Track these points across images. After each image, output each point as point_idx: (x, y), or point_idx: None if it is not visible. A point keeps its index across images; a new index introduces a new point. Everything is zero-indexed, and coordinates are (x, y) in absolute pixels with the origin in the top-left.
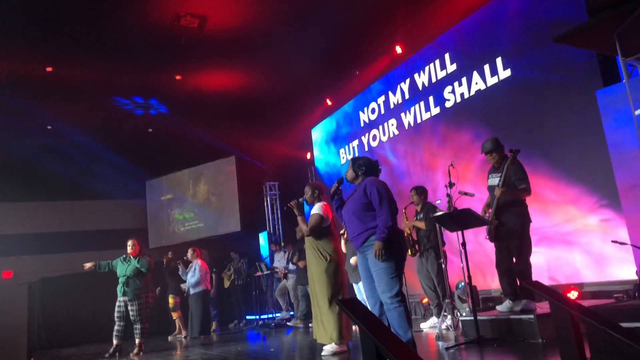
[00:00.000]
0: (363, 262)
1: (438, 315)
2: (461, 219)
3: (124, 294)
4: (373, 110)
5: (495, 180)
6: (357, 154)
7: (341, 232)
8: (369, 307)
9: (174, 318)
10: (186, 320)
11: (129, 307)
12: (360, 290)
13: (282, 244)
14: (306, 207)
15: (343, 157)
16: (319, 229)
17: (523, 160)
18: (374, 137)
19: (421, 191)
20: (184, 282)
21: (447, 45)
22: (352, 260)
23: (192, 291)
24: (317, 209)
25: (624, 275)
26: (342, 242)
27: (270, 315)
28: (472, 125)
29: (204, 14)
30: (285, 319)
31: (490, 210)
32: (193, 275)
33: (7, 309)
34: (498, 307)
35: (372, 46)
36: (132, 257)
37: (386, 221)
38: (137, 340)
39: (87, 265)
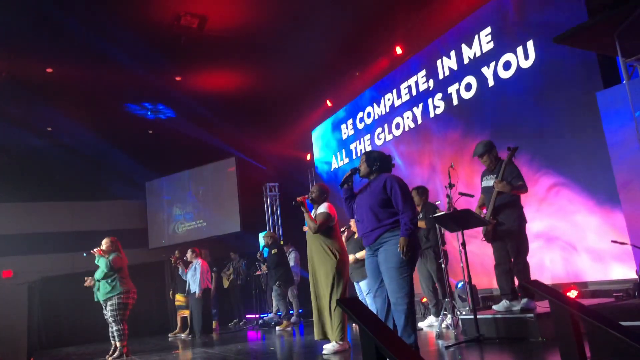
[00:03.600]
0: (372, 260)
1: (436, 315)
2: (461, 219)
3: (97, 297)
4: (373, 112)
5: (490, 181)
6: (357, 155)
7: (341, 229)
8: (372, 307)
9: (182, 316)
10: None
11: (104, 310)
12: (360, 290)
13: (282, 242)
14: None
15: (343, 159)
16: (326, 227)
17: (523, 160)
18: (375, 138)
19: (422, 191)
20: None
21: (447, 46)
22: (359, 254)
23: (192, 290)
24: (324, 207)
25: (624, 275)
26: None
27: (270, 314)
28: (473, 126)
29: (204, 14)
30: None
31: (485, 211)
32: (194, 274)
33: (7, 309)
34: (495, 307)
35: (372, 47)
36: (98, 256)
37: (411, 217)
38: (113, 343)
39: (88, 281)
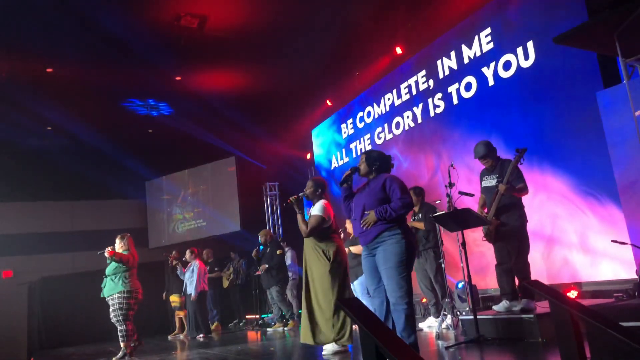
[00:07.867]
0: (369, 260)
1: (436, 315)
2: (461, 219)
3: (103, 294)
4: (373, 111)
5: (491, 181)
6: (357, 154)
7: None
8: (370, 307)
9: (180, 317)
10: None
11: (110, 308)
12: (354, 290)
13: (280, 240)
14: (305, 203)
15: (343, 158)
16: (319, 230)
17: (523, 159)
18: (375, 138)
19: (419, 192)
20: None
21: (447, 46)
22: (353, 248)
23: (189, 291)
24: (318, 209)
25: (624, 275)
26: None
27: (269, 315)
28: (473, 125)
29: (204, 14)
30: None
31: (486, 211)
32: (191, 276)
33: (7, 309)
34: (495, 307)
35: (372, 47)
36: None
37: (396, 208)
38: (121, 344)
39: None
